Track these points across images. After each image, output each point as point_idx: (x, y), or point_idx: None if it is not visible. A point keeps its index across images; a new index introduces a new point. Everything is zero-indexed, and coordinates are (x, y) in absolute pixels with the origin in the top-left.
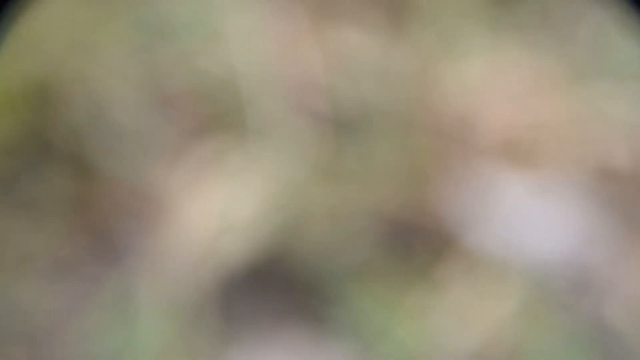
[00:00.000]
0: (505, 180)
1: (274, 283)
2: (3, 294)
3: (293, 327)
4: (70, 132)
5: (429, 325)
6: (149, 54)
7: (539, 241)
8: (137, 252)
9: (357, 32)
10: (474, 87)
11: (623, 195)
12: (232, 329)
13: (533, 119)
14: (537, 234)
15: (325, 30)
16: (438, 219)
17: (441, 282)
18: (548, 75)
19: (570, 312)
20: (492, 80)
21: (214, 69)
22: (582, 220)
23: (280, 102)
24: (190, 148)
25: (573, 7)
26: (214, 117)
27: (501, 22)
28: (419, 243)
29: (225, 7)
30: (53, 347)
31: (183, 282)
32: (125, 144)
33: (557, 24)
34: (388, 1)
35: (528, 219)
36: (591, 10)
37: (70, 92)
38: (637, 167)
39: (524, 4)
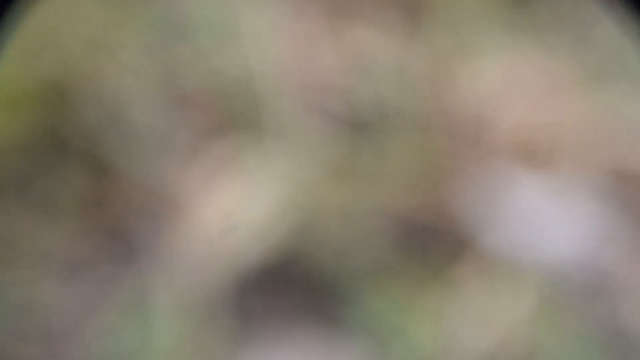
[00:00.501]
0: (520, 181)
1: (288, 283)
2: (19, 293)
3: (307, 327)
4: (86, 131)
5: (444, 326)
6: (165, 53)
7: (554, 242)
8: (153, 252)
9: (373, 32)
10: (490, 88)
11: (638, 196)
12: (246, 329)
13: (548, 119)
14: (552, 235)
15: (340, 30)
16: (453, 219)
17: (456, 282)
18: (563, 76)
19: (585, 314)
20: (507, 81)
21: (230, 69)
22: (597, 222)
23: (295, 101)
24: (205, 147)
25: (588, 8)
26: (230, 116)
27: (517, 23)
28: (434, 244)
29: (241, 6)
30: (69, 346)
31: (197, 282)
32: (141, 144)
33: (573, 24)
34: (404, 1)
35: (543, 220)
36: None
37: (87, 91)
38: None
39: (539, 5)
